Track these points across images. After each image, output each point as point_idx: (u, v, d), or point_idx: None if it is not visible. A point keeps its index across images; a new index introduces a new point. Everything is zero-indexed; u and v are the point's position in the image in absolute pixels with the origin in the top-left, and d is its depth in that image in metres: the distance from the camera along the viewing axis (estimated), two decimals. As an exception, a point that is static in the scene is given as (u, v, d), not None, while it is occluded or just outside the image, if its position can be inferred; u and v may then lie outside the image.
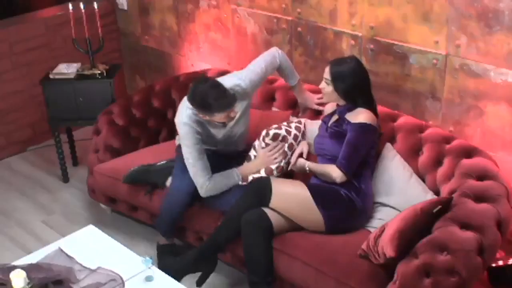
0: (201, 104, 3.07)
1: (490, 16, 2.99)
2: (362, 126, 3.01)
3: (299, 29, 3.83)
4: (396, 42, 3.39)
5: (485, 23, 3.02)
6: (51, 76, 4.23)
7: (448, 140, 3.20)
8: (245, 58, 4.21)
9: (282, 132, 3.29)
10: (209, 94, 3.04)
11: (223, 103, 3.07)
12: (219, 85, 3.10)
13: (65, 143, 4.52)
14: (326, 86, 3.09)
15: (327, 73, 3.07)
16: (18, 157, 4.85)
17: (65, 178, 4.45)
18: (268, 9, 3.95)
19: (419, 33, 3.28)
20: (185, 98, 3.20)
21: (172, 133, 4.02)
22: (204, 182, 3.19)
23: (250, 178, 3.29)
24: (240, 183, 3.26)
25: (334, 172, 3.02)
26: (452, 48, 3.19)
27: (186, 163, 3.19)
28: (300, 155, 3.28)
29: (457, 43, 3.16)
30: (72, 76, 4.21)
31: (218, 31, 4.35)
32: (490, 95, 3.13)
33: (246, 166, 3.31)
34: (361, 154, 3.04)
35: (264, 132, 3.30)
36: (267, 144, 3.28)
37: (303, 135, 3.38)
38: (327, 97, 3.14)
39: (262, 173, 3.27)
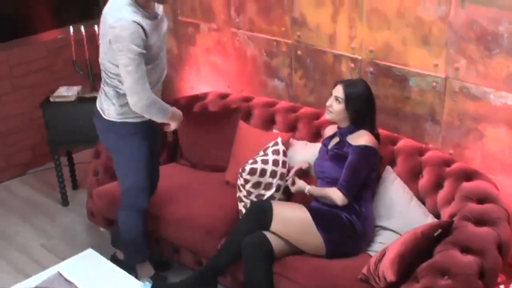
0: None
1: (489, 39, 3.00)
2: (363, 148, 3.03)
3: (298, 52, 3.84)
4: (395, 65, 3.41)
5: (485, 46, 3.03)
6: (51, 99, 4.24)
7: (448, 163, 3.20)
8: (245, 81, 4.23)
9: (258, 166, 3.29)
10: None
11: None
12: None
13: (65, 166, 4.51)
14: (336, 104, 3.10)
15: (340, 92, 3.10)
16: (18, 180, 4.84)
17: (65, 202, 4.44)
18: (268, 33, 3.97)
19: (419, 56, 3.29)
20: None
21: (172, 156, 4.04)
22: (145, 92, 2.95)
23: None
24: (166, 120, 3.15)
25: (335, 195, 3.02)
26: (451, 71, 3.20)
27: (125, 71, 2.91)
28: (299, 171, 3.27)
29: (457, 66, 3.17)
30: (72, 99, 4.22)
31: (218, 54, 4.37)
32: (490, 118, 3.13)
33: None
34: (362, 177, 3.04)
35: (240, 169, 3.31)
36: (245, 180, 3.27)
37: (284, 153, 3.39)
38: (334, 115, 3.14)
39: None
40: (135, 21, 2.87)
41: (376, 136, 3.14)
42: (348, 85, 3.13)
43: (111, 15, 2.91)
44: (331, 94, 3.16)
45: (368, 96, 3.13)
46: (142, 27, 2.90)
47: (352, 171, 3.02)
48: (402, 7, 3.27)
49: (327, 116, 3.20)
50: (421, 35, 3.25)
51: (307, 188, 3.16)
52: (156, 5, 3.05)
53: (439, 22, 3.15)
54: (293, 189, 3.25)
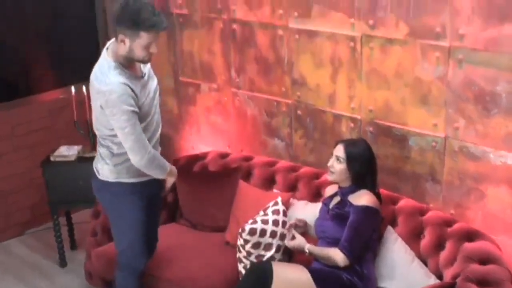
0: (131, 18, 2.86)
1: (488, 99, 3.03)
2: (365, 209, 3.02)
3: (298, 112, 3.87)
4: (395, 125, 3.43)
5: (483, 106, 3.05)
6: (51, 159, 4.26)
7: (449, 223, 3.18)
8: (246, 140, 4.25)
9: (258, 226, 3.28)
10: (145, 9, 2.88)
11: (158, 21, 2.90)
12: (154, 6, 2.96)
13: (64, 226, 4.49)
14: (337, 164, 3.11)
15: (340, 152, 3.11)
16: (17, 240, 4.81)
17: (63, 262, 4.40)
18: (268, 93, 4.01)
19: (418, 116, 3.31)
20: (102, 59, 3.00)
21: (172, 216, 4.02)
22: (146, 149, 2.99)
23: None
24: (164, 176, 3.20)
25: (337, 256, 2.99)
26: (450, 130, 3.21)
27: (122, 133, 2.95)
28: (293, 226, 3.24)
29: (456, 125, 3.18)
30: (72, 159, 4.24)
31: (219, 114, 4.40)
32: (491, 178, 3.12)
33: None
34: (364, 238, 3.02)
35: (240, 229, 3.29)
36: (245, 241, 3.26)
37: (284, 213, 3.37)
38: (336, 176, 3.14)
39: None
40: (122, 83, 2.92)
41: (378, 195, 3.13)
42: (348, 144, 3.14)
43: (98, 80, 2.96)
44: (332, 154, 3.16)
45: (369, 155, 3.14)
46: (130, 87, 2.94)
47: (354, 232, 3.00)
48: (401, 68, 3.31)
49: (329, 177, 3.20)
50: (420, 95, 3.28)
51: (307, 246, 3.11)
52: (142, 64, 3.10)
53: (438, 82, 3.19)
54: (290, 244, 3.17)
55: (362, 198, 3.05)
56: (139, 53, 2.94)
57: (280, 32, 3.81)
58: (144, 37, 2.90)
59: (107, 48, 3.04)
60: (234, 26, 4.07)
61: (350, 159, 3.09)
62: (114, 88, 2.90)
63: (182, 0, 4.34)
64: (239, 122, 4.28)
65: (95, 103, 3.03)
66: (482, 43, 2.99)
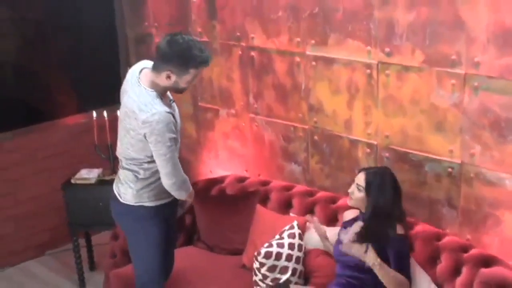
0: (182, 54, 2.90)
1: (503, 126, 3.04)
2: (403, 238, 3.04)
3: (315, 137, 3.90)
4: (411, 151, 3.44)
5: (498, 132, 3.06)
6: (72, 181, 4.33)
7: (465, 248, 3.17)
8: (263, 165, 4.29)
9: (274, 249, 3.32)
10: (194, 46, 2.91)
11: (206, 57, 2.95)
12: (199, 41, 2.99)
13: (83, 247, 4.54)
14: (357, 192, 3.11)
15: (361, 180, 3.10)
16: (37, 261, 4.86)
17: (82, 283, 4.45)
18: (285, 118, 4.05)
19: (434, 142, 3.33)
20: (141, 89, 3.00)
21: (190, 238, 4.05)
22: (181, 173, 3.08)
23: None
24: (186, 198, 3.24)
25: (405, 284, 2.96)
26: (466, 156, 3.22)
27: (163, 160, 2.99)
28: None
29: (472, 152, 3.19)
30: (93, 181, 4.31)
31: (236, 139, 4.44)
32: (507, 204, 3.12)
33: None
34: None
35: (256, 252, 3.32)
36: (261, 264, 3.29)
37: (300, 237, 3.39)
38: (355, 202, 3.14)
39: None
40: (167, 112, 2.96)
41: (404, 224, 3.11)
42: (370, 173, 3.12)
43: (143, 111, 2.94)
44: (353, 181, 3.17)
45: (392, 185, 3.09)
46: (173, 116, 3.00)
47: (404, 260, 3.00)
48: (417, 94, 3.33)
49: (349, 203, 3.20)
50: (435, 121, 3.29)
51: (379, 260, 2.95)
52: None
53: (454, 109, 3.20)
54: (356, 248, 2.98)
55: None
56: (183, 85, 3.01)
57: (297, 59, 3.86)
58: (192, 73, 2.96)
59: (138, 77, 3.04)
60: (253, 53, 4.13)
61: (369, 189, 3.07)
62: (161, 118, 2.92)
63: (202, 28, 4.42)
64: (256, 147, 4.32)
65: (132, 132, 3.03)
66: (498, 71, 3.00)
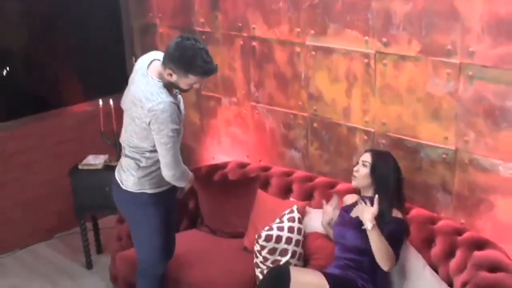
0: (185, 61, 2.93)
1: (497, 114, 3.08)
2: (402, 222, 3.10)
3: (314, 124, 3.95)
4: (407, 138, 3.49)
5: (492, 120, 3.11)
6: (79, 167, 4.41)
7: (459, 232, 3.22)
8: (264, 151, 4.34)
9: (274, 232, 3.38)
10: (199, 56, 2.93)
11: (208, 68, 2.98)
12: (207, 49, 2.99)
13: (90, 231, 4.61)
14: (362, 168, 3.19)
15: (367, 157, 3.20)
16: (45, 244, 4.94)
17: (89, 265, 4.53)
18: (285, 106, 4.10)
19: (429, 129, 3.38)
20: (148, 79, 3.04)
21: (193, 222, 4.12)
22: (180, 164, 3.11)
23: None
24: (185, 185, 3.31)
25: (393, 258, 2.99)
26: (461, 143, 3.27)
27: (164, 149, 3.03)
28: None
29: (466, 139, 3.23)
30: (99, 167, 4.38)
31: (238, 126, 4.49)
32: (500, 189, 3.16)
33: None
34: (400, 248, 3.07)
35: (256, 235, 3.39)
36: (262, 246, 3.35)
37: (300, 220, 3.46)
38: (359, 180, 3.21)
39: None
40: (172, 102, 3.01)
41: (402, 210, 3.18)
42: (376, 153, 3.25)
43: (149, 100, 2.99)
44: (357, 163, 3.25)
45: (395, 167, 3.20)
46: (178, 107, 3.06)
47: (396, 241, 3.02)
48: (413, 83, 3.38)
49: (353, 183, 3.26)
50: (431, 109, 3.34)
51: (374, 222, 2.96)
52: None
53: (449, 97, 3.25)
54: (366, 210, 3.00)
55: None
56: (183, 86, 3.06)
57: (297, 49, 3.91)
58: (192, 79, 3.01)
59: (147, 67, 3.09)
60: (254, 43, 4.18)
61: (375, 164, 3.16)
62: (166, 107, 2.97)
63: (204, 18, 4.46)
64: (257, 134, 4.37)
65: (137, 120, 3.08)
66: (492, 60, 3.04)
